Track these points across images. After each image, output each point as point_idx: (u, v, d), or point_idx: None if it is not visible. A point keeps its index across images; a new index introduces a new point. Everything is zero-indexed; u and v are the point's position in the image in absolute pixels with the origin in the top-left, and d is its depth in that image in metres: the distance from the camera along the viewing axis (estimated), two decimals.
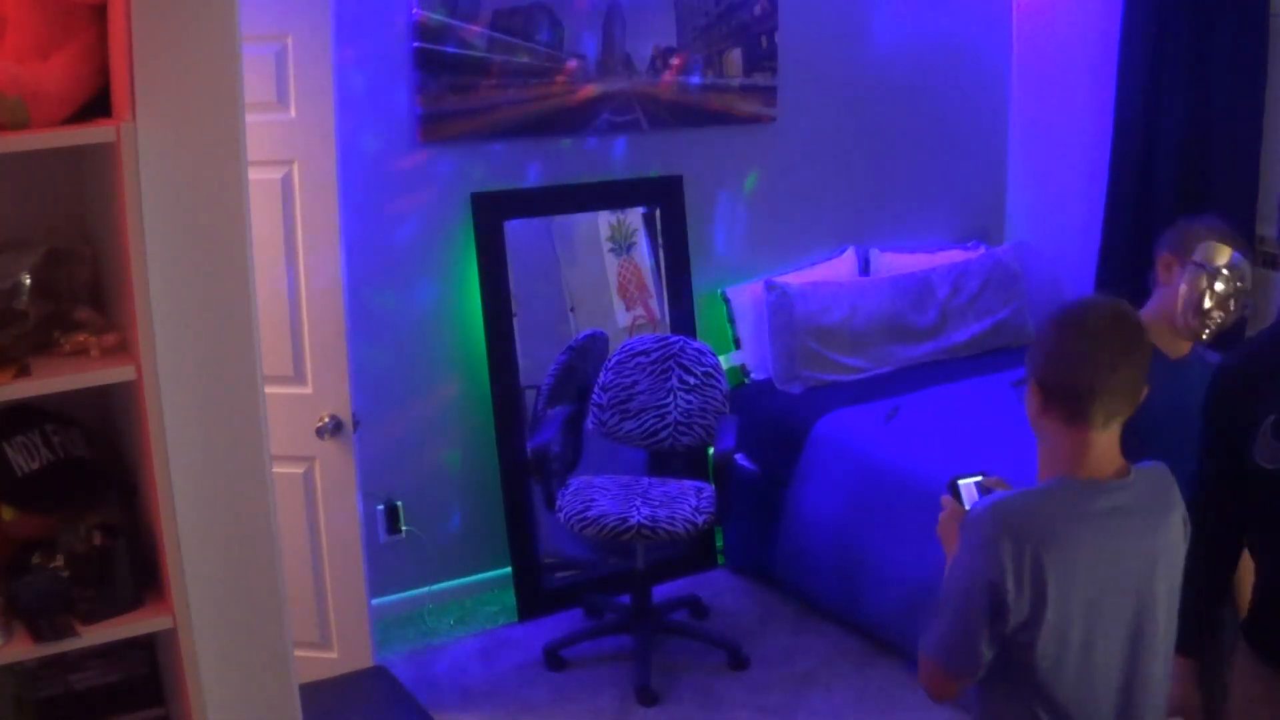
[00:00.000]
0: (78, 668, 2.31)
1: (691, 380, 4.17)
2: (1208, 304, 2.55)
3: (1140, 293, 4.76)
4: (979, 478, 2.13)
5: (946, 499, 2.12)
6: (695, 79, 4.48)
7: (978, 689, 2.02)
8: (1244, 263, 2.58)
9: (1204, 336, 2.59)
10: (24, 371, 2.06)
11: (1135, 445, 2.18)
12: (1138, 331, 1.97)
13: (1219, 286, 2.55)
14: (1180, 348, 2.62)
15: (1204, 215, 2.74)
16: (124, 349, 2.15)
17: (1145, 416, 2.21)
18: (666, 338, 4.25)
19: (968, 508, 2.05)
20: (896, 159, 5.01)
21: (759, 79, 4.60)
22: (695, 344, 4.24)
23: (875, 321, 4.66)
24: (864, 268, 4.97)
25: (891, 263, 4.94)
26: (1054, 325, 1.99)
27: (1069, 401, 1.93)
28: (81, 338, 2.14)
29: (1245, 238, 2.60)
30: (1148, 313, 2.60)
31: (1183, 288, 2.57)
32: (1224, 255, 2.55)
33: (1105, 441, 1.96)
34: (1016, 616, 1.88)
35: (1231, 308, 2.56)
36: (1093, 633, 1.92)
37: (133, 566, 2.16)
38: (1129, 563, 1.95)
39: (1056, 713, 1.94)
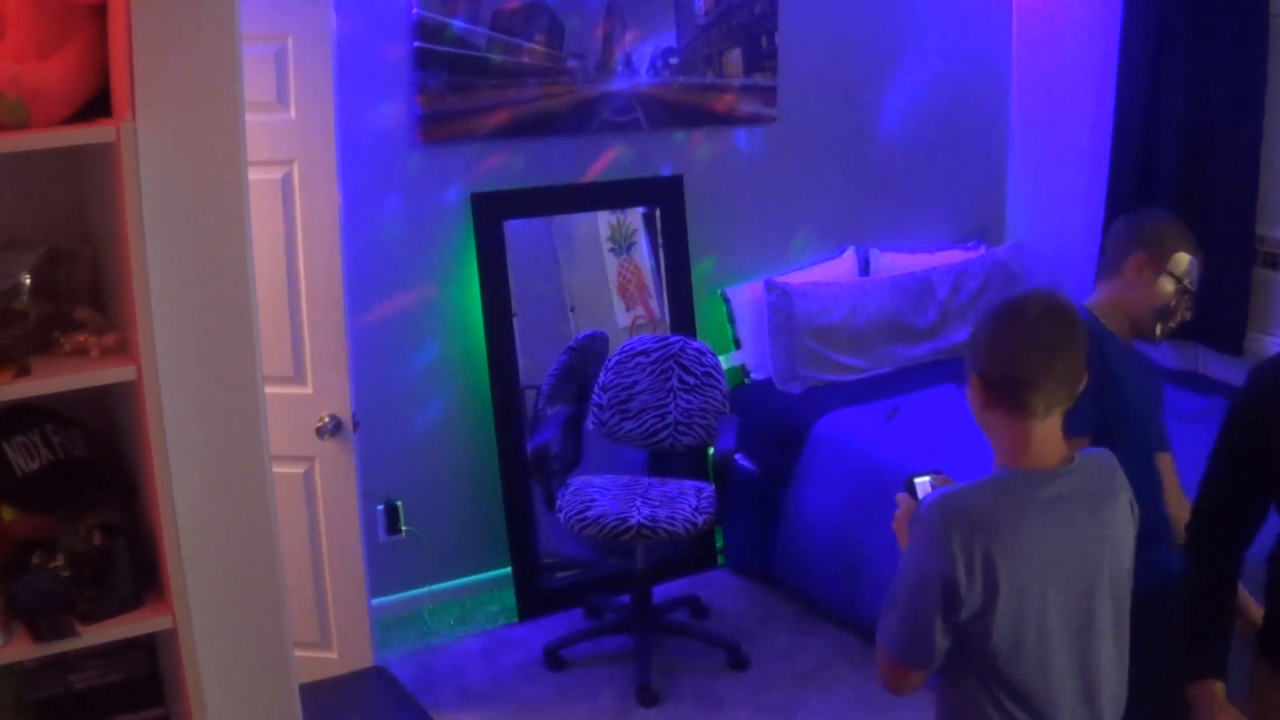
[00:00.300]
0: (78, 668, 2.31)
1: (691, 380, 4.17)
2: (1172, 314, 2.62)
3: None
4: (931, 476, 2.19)
5: (902, 496, 2.16)
6: (695, 79, 4.48)
7: (941, 682, 2.04)
8: (1198, 265, 2.64)
9: (1157, 338, 2.66)
10: (24, 371, 2.06)
11: (1106, 426, 2.35)
12: (1074, 322, 2.01)
13: (1186, 298, 2.62)
14: (1128, 336, 2.67)
15: (1160, 213, 2.76)
16: (124, 349, 2.15)
17: (1118, 394, 2.41)
18: (666, 338, 4.25)
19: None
20: (896, 159, 5.01)
21: (759, 79, 4.60)
22: (695, 344, 4.24)
23: (875, 321, 4.66)
24: (864, 268, 4.97)
25: (891, 263, 4.94)
26: (993, 319, 2.03)
27: (1010, 393, 1.98)
28: (81, 338, 2.14)
29: (1195, 236, 2.68)
30: (1105, 302, 2.64)
31: (1153, 293, 2.61)
32: (1186, 263, 2.60)
33: (1047, 431, 2.00)
34: (970, 606, 1.91)
35: (1186, 314, 2.66)
36: (1045, 618, 1.95)
37: (133, 566, 2.16)
38: (1076, 548, 1.99)
39: (1019, 699, 1.97)
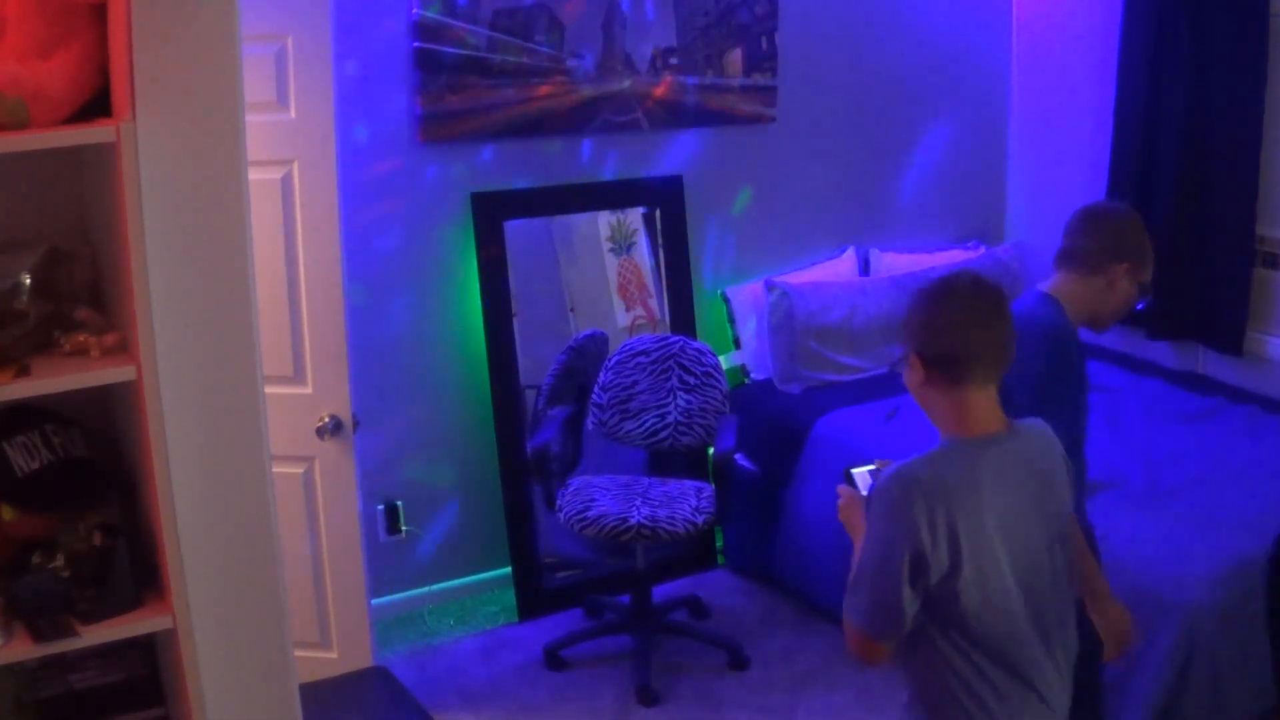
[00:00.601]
0: (78, 668, 2.31)
1: (691, 380, 4.17)
2: (1122, 315, 2.78)
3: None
4: (871, 466, 2.31)
5: (843, 488, 2.28)
6: (695, 79, 4.48)
7: (909, 650, 2.13)
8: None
9: (1102, 330, 2.83)
10: (24, 371, 2.06)
11: (1079, 406, 2.60)
12: (1001, 297, 2.16)
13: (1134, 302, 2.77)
14: (1079, 324, 2.77)
15: (1133, 215, 2.82)
16: (124, 349, 2.15)
17: (1078, 380, 2.61)
18: (666, 338, 4.25)
19: (864, 493, 2.24)
20: (896, 159, 5.02)
21: (759, 79, 4.60)
22: (695, 344, 4.24)
23: (875, 321, 4.65)
24: (864, 268, 4.97)
25: (891, 263, 4.94)
26: (926, 299, 2.16)
27: (950, 366, 2.10)
28: (81, 338, 2.14)
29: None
30: (1075, 294, 2.73)
31: (1127, 297, 2.73)
32: (1149, 272, 2.75)
33: (986, 399, 2.13)
34: (938, 570, 2.02)
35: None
36: (1005, 575, 2.07)
37: (133, 566, 2.16)
38: (1026, 507, 2.12)
39: (993, 655, 2.08)
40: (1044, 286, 2.78)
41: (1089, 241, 2.75)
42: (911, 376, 2.17)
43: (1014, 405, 2.30)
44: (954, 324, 2.11)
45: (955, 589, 2.03)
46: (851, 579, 2.10)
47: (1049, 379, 2.57)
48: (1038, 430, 2.22)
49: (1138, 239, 2.74)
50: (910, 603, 2.03)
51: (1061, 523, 2.18)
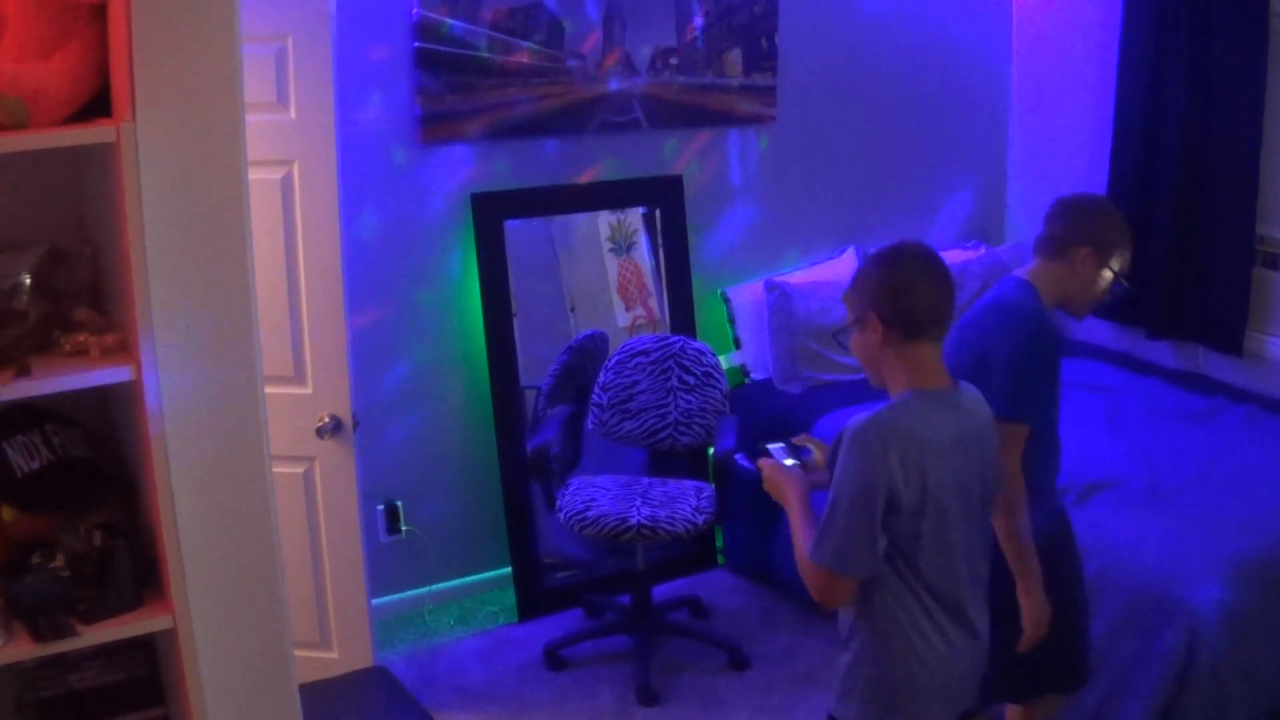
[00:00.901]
0: (78, 668, 2.31)
1: (691, 380, 4.17)
2: (1096, 300, 2.85)
3: (1139, 294, 4.76)
4: (783, 444, 2.52)
5: (763, 462, 2.47)
6: (695, 79, 4.48)
7: (863, 594, 2.30)
8: (1128, 254, 2.84)
9: (1079, 316, 2.90)
10: (24, 371, 2.05)
11: (1055, 393, 2.75)
12: (944, 262, 2.34)
13: (1109, 288, 2.84)
14: (1053, 309, 2.85)
15: (1104, 204, 2.89)
16: (124, 349, 2.15)
17: (1052, 361, 2.74)
18: (666, 338, 4.25)
19: (787, 463, 2.46)
20: (897, 159, 5.01)
21: (759, 79, 4.60)
22: (695, 344, 4.24)
23: None
24: None
25: None
26: (881, 265, 2.32)
27: (909, 324, 2.27)
28: (81, 338, 2.14)
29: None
30: (1046, 279, 2.82)
31: (1089, 283, 2.82)
32: (1126, 260, 2.83)
33: (935, 356, 2.32)
34: (909, 508, 2.20)
35: (1107, 295, 2.88)
36: (956, 517, 2.27)
37: (133, 566, 2.16)
38: (970, 454, 2.31)
39: (938, 593, 2.28)
40: (1020, 272, 2.87)
41: (1054, 227, 2.85)
42: (868, 338, 2.31)
43: (992, 385, 2.55)
44: (911, 284, 2.27)
45: (919, 529, 2.22)
46: (822, 521, 2.24)
47: (1023, 358, 2.68)
48: (974, 391, 2.40)
49: (1101, 224, 2.82)
50: (880, 539, 2.21)
51: (990, 473, 2.38)
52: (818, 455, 2.51)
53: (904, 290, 2.27)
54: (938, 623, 2.30)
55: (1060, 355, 2.82)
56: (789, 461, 2.48)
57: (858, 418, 2.24)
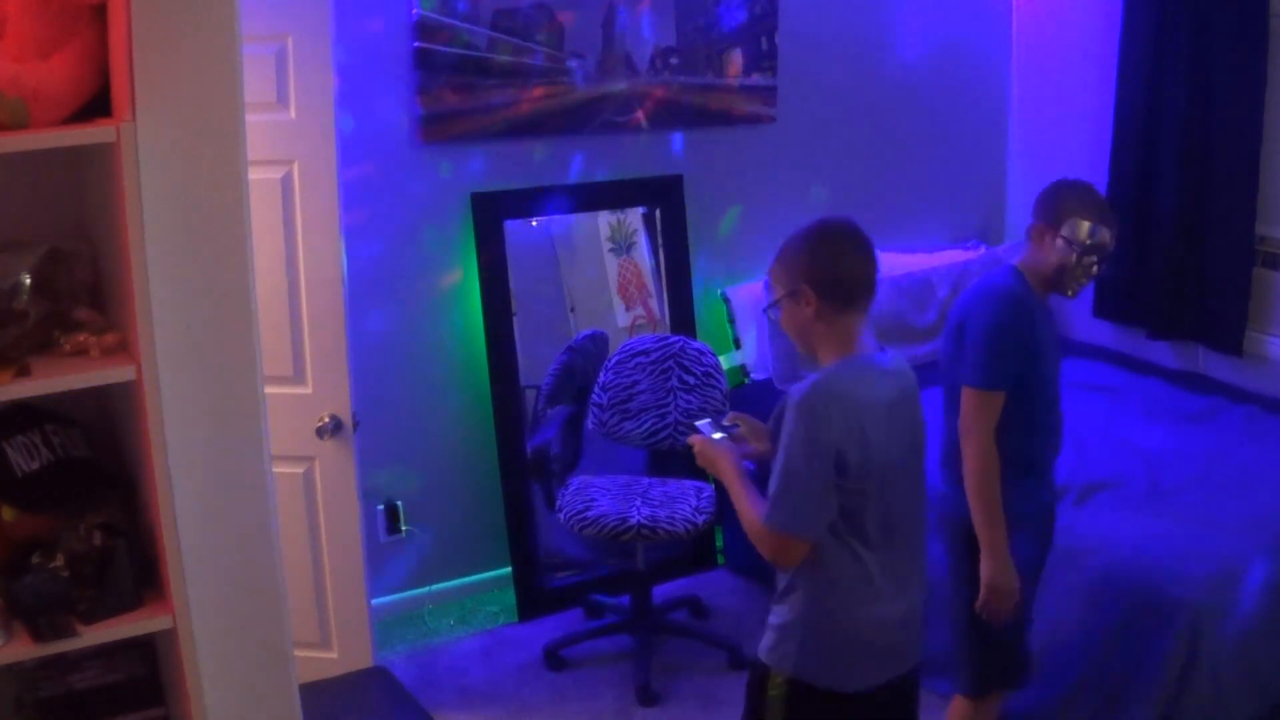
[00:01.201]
0: (78, 668, 2.31)
1: (691, 380, 4.17)
2: (1075, 275, 2.90)
3: (1138, 295, 4.77)
4: (709, 419, 2.68)
5: (693, 437, 2.61)
6: (695, 79, 4.48)
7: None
8: (1101, 229, 2.89)
9: (1070, 294, 2.95)
10: (24, 371, 2.06)
11: (1035, 374, 2.83)
12: (866, 234, 2.45)
13: (1086, 260, 2.88)
14: (1044, 294, 2.95)
15: (1069, 182, 2.97)
16: (124, 349, 2.15)
17: (1040, 351, 2.84)
18: (666, 338, 4.25)
19: (715, 436, 2.59)
20: (896, 159, 5.01)
21: (759, 79, 4.60)
22: (695, 344, 4.24)
23: (875, 321, 4.63)
24: None
25: (891, 263, 4.93)
26: (810, 240, 2.43)
27: (840, 294, 2.38)
28: (81, 338, 2.14)
29: (1104, 200, 2.97)
30: (1026, 264, 2.94)
31: (1053, 258, 2.89)
32: (1084, 230, 2.87)
33: (863, 325, 2.43)
34: (854, 468, 2.31)
35: (1094, 271, 2.92)
36: (892, 476, 2.38)
37: (133, 566, 2.16)
38: (903, 417, 2.44)
39: (873, 546, 2.38)
40: (1014, 260, 2.99)
41: (1033, 214, 2.98)
42: (800, 312, 2.41)
43: (965, 363, 2.81)
44: (842, 258, 2.40)
45: (864, 488, 2.33)
46: (776, 488, 2.33)
47: (992, 330, 2.80)
48: (899, 358, 2.52)
49: (1054, 198, 2.92)
50: (831, 498, 2.32)
51: (920, 438, 2.50)
52: (745, 429, 2.63)
53: (835, 263, 2.39)
54: (874, 583, 2.38)
55: (1044, 337, 2.89)
56: (718, 435, 2.61)
57: (798, 386, 2.34)
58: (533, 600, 4.31)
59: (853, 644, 2.41)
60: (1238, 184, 4.32)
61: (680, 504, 3.94)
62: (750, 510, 2.41)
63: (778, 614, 2.48)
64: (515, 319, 4.31)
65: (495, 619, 4.33)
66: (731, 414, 2.68)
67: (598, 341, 4.51)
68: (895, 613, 2.43)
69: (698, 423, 2.68)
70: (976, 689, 3.02)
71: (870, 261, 2.42)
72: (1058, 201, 2.91)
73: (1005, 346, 2.80)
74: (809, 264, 2.40)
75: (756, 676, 2.53)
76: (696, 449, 2.60)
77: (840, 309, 2.39)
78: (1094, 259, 2.88)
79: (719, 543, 4.66)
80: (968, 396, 2.82)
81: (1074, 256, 2.86)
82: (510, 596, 4.34)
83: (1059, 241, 2.87)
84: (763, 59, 4.59)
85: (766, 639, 2.51)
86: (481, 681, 3.94)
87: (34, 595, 2.10)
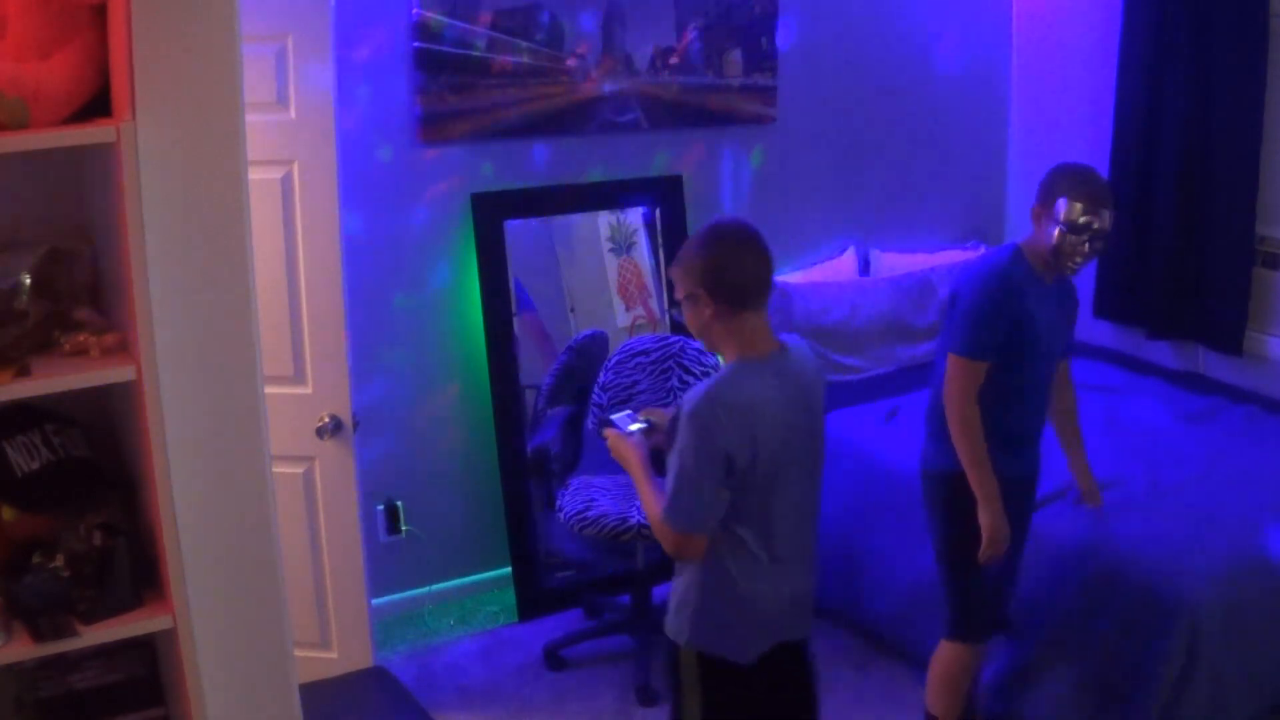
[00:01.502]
0: (78, 668, 2.31)
1: (691, 380, 4.16)
2: (1067, 254, 3.00)
3: (1138, 295, 4.77)
4: (627, 412, 2.77)
5: (608, 431, 2.70)
6: (695, 79, 4.48)
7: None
8: (1091, 210, 2.97)
9: (1068, 273, 3.07)
10: (24, 371, 2.06)
11: (1023, 351, 2.98)
12: (760, 235, 2.51)
13: (1075, 239, 2.98)
14: (1048, 275, 3.07)
15: (1067, 165, 3.08)
16: (124, 349, 2.15)
17: (1031, 329, 2.97)
18: (666, 338, 4.25)
19: (630, 430, 2.68)
20: (896, 159, 5.01)
21: (759, 79, 4.60)
22: (695, 344, 4.23)
23: (875, 321, 4.66)
24: (864, 268, 4.97)
25: (891, 263, 4.94)
26: (706, 245, 2.48)
27: (736, 296, 2.45)
28: (81, 338, 2.14)
29: (1102, 183, 3.06)
30: (1026, 244, 3.07)
31: (1044, 236, 3.02)
32: (1077, 211, 2.96)
33: (761, 323, 2.50)
34: (741, 468, 2.41)
35: (1088, 250, 3.00)
36: (785, 467, 2.48)
37: (133, 566, 2.16)
38: (799, 412, 2.52)
39: (754, 533, 2.50)
40: (1019, 240, 3.13)
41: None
42: (699, 313, 2.49)
43: (952, 331, 2.98)
44: (734, 261, 2.46)
45: (748, 484, 2.44)
46: (672, 490, 2.46)
47: (977, 302, 2.96)
48: (804, 348, 2.62)
49: (1050, 182, 3.03)
50: (725, 498, 2.44)
51: (820, 427, 2.61)
52: (659, 422, 2.71)
53: (728, 267, 2.45)
54: (757, 561, 2.52)
55: (1038, 315, 3.00)
56: (633, 428, 2.69)
57: (693, 392, 2.44)
58: (533, 600, 4.31)
59: (743, 614, 2.55)
60: (1238, 184, 4.32)
61: None
62: (654, 506, 2.53)
63: (674, 590, 2.64)
64: (515, 319, 4.31)
65: (495, 619, 4.33)
66: (647, 408, 2.85)
67: (598, 341, 4.50)
68: (783, 589, 2.58)
69: (613, 415, 2.77)
70: (960, 633, 3.18)
71: (764, 261, 2.49)
72: (1051, 182, 3.04)
73: (990, 319, 2.95)
74: (703, 267, 2.47)
75: (670, 657, 2.65)
76: (609, 442, 2.70)
77: (736, 309, 2.46)
78: (1083, 238, 2.97)
79: None
80: (951, 362, 3.00)
81: (1062, 235, 2.97)
82: (510, 596, 4.34)
83: (1053, 224, 2.99)
84: (763, 59, 4.59)
85: (668, 615, 2.65)
86: (481, 681, 3.94)
87: (34, 595, 2.10)
